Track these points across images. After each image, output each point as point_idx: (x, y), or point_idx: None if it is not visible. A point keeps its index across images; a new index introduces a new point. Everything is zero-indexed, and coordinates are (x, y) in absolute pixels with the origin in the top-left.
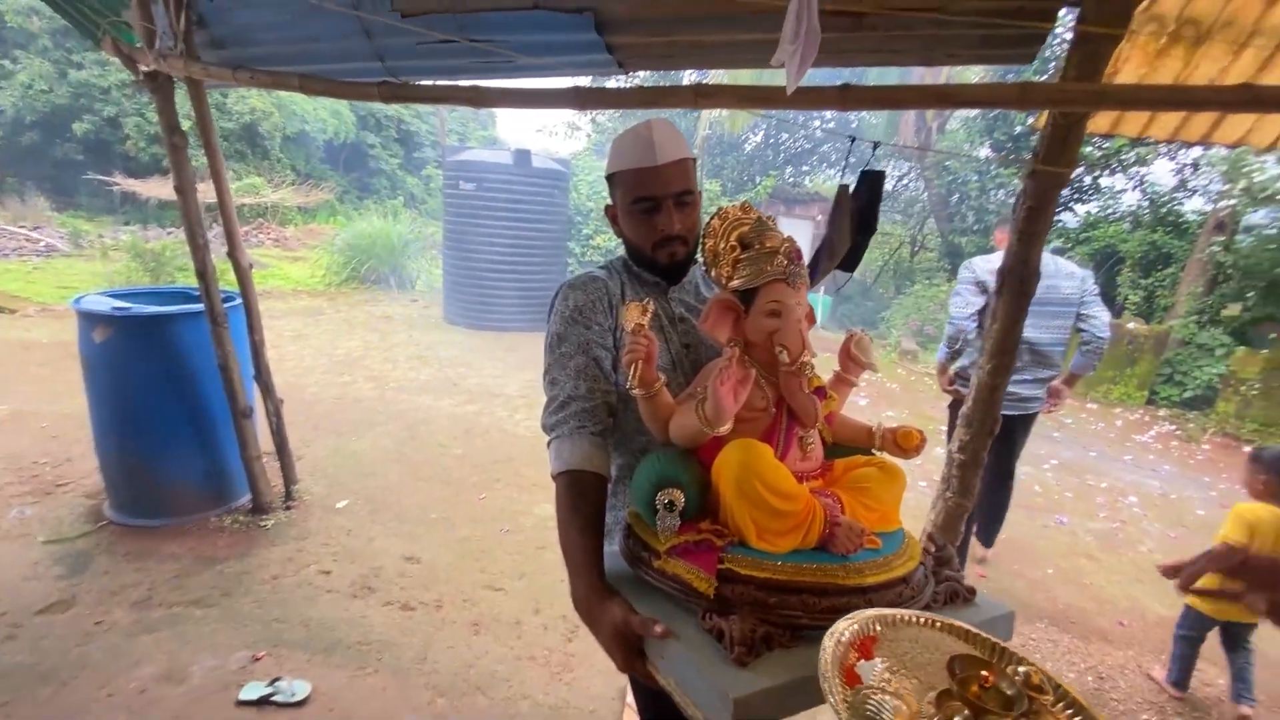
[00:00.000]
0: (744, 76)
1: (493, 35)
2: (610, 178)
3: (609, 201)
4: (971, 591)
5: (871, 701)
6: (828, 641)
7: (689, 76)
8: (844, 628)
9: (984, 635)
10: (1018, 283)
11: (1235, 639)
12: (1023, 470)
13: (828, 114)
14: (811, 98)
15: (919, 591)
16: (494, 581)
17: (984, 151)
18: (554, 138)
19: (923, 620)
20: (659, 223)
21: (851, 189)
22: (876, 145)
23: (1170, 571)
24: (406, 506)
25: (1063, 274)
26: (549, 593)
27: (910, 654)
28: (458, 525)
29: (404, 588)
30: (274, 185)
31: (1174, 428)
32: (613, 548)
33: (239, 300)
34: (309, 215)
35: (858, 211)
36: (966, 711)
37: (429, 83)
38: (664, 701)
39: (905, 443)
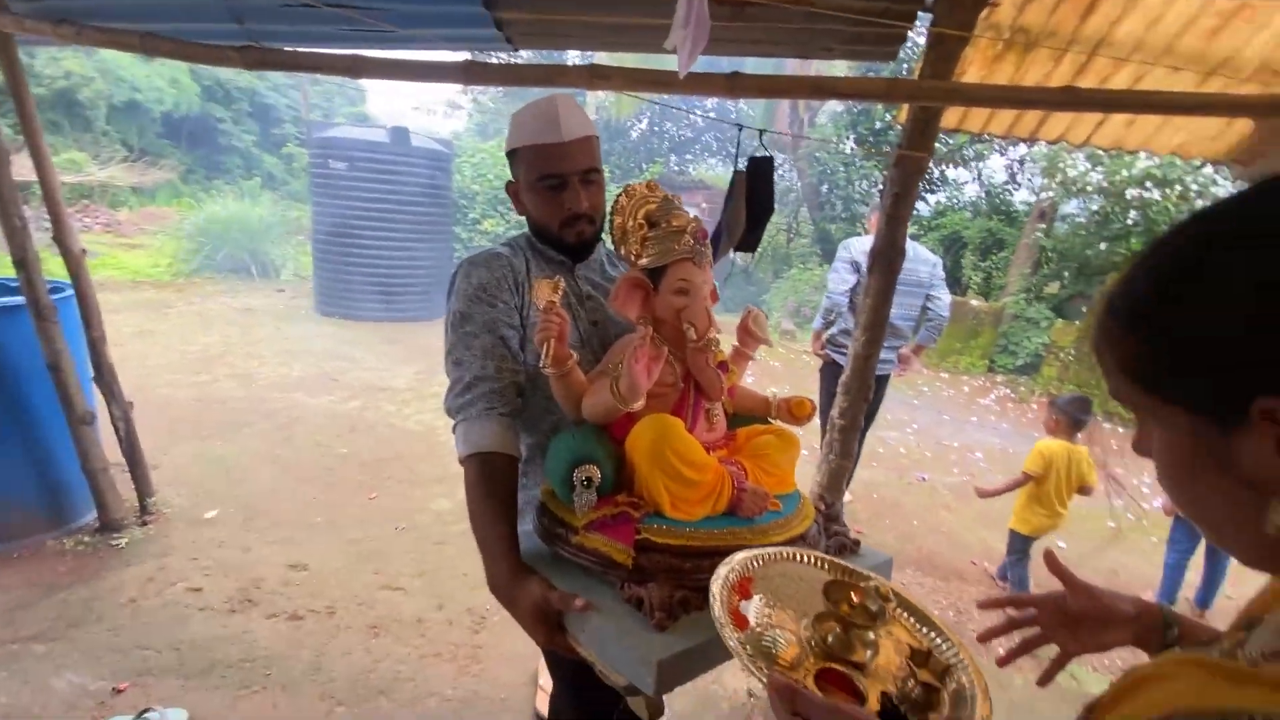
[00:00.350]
0: (630, 61)
1: (370, 1)
2: (512, 153)
3: (510, 178)
4: (856, 544)
5: (766, 637)
6: (715, 588)
7: (574, 58)
8: (724, 572)
9: (837, 561)
10: (886, 263)
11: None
12: (889, 435)
13: (709, 103)
14: (701, 84)
15: (814, 546)
16: (391, 582)
17: (849, 145)
18: (433, 116)
19: (788, 555)
20: (566, 201)
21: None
22: (763, 132)
23: (982, 494)
24: (286, 512)
25: (919, 259)
26: (452, 588)
27: (782, 588)
28: (346, 528)
29: (290, 597)
30: (100, 162)
31: (1009, 391)
32: (526, 527)
33: (70, 292)
34: (146, 197)
35: (752, 194)
36: (838, 628)
37: (301, 50)
38: (581, 674)
39: (798, 411)
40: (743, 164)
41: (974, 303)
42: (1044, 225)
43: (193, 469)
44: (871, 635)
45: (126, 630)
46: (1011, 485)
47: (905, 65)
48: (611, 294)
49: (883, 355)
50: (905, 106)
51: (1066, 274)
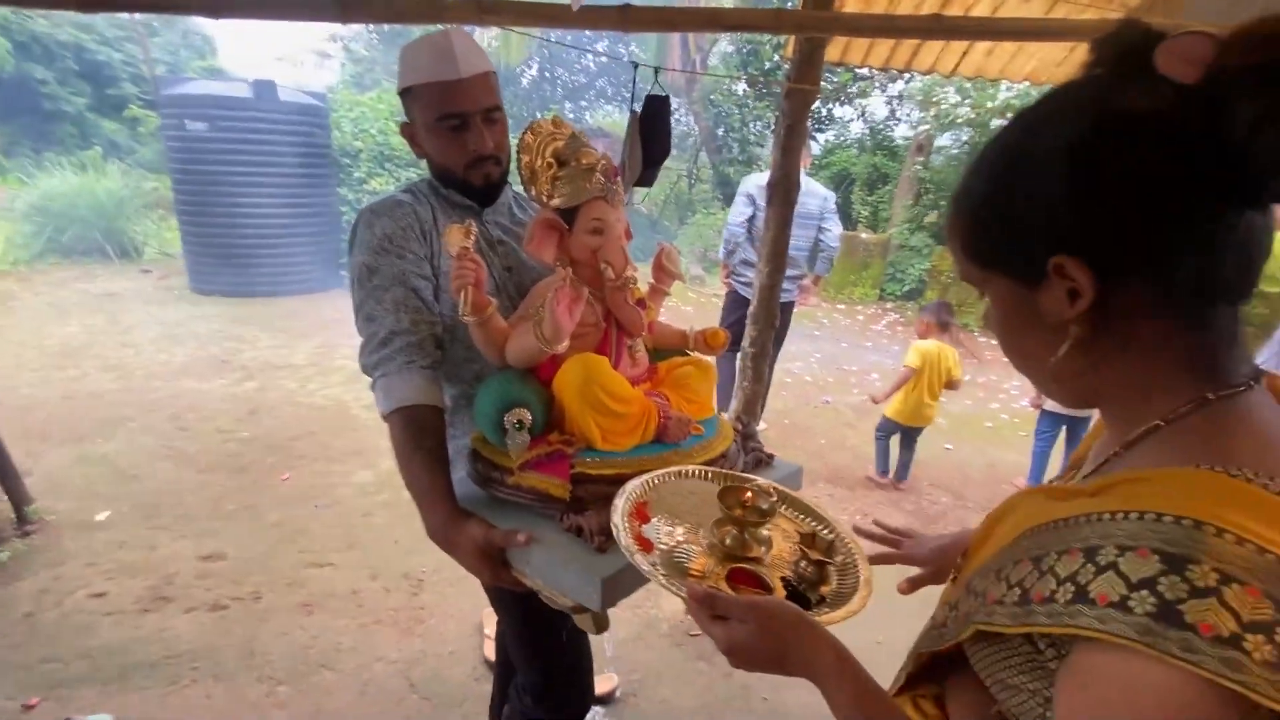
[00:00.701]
0: None
1: None
2: (405, 92)
3: (404, 119)
4: (770, 456)
5: (676, 553)
6: (616, 519)
7: None
8: (620, 503)
9: (719, 470)
10: (784, 193)
11: (909, 439)
12: (795, 366)
13: (600, 46)
14: (594, 17)
15: (734, 463)
16: (319, 559)
17: (742, 86)
18: (300, 68)
19: (676, 474)
20: (469, 142)
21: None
22: (657, 71)
23: (876, 400)
24: (193, 504)
25: (811, 193)
26: (385, 556)
27: (676, 505)
28: (263, 512)
29: (209, 588)
30: None
31: (899, 316)
32: (459, 475)
33: None
34: None
35: (649, 134)
36: (735, 530)
37: None
38: (526, 603)
39: (714, 341)
40: (638, 107)
41: (864, 236)
42: (922, 158)
43: (74, 472)
44: (764, 531)
45: (26, 646)
46: (898, 384)
47: (791, 1)
48: (525, 237)
49: (785, 285)
50: (792, 43)
51: (944, 203)
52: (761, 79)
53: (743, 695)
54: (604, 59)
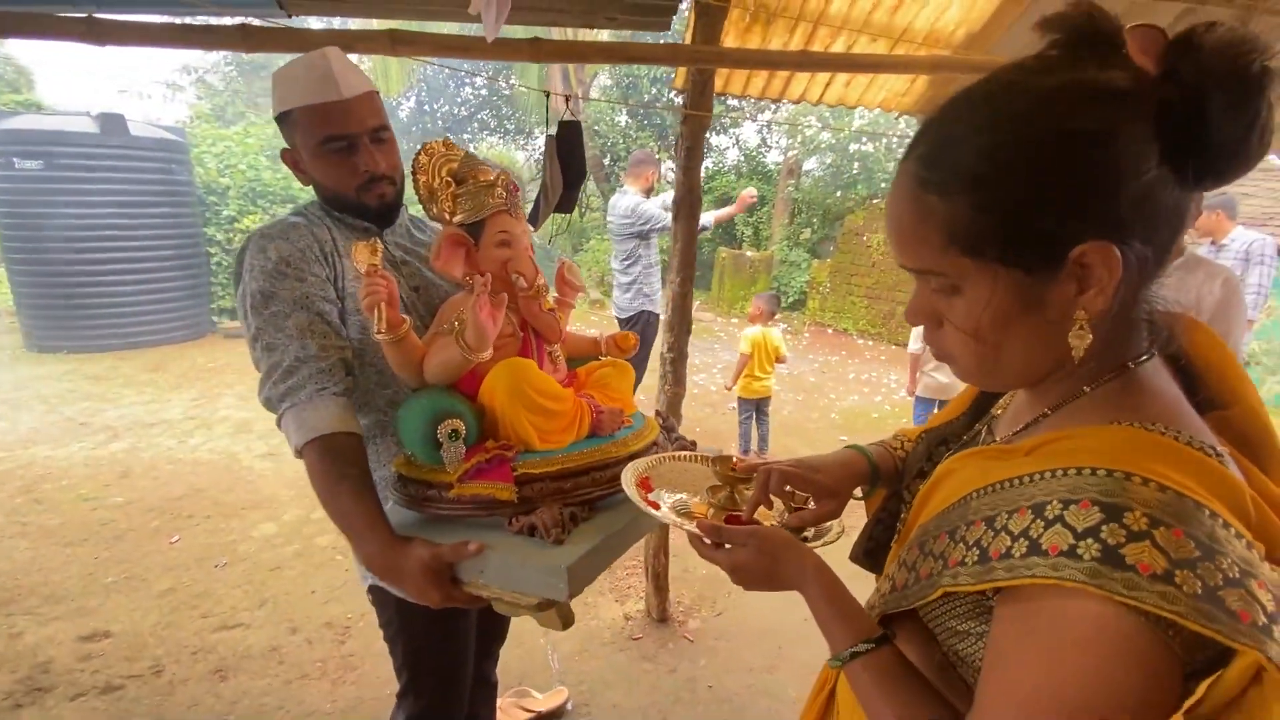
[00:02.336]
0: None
1: None
2: (283, 117)
3: (285, 146)
4: (694, 444)
5: (678, 507)
6: (628, 486)
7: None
8: (629, 475)
9: (704, 454)
10: (687, 208)
11: (760, 415)
12: (700, 378)
13: (479, 80)
14: (506, 49)
15: (663, 449)
16: (227, 620)
17: (624, 118)
18: (148, 101)
19: (670, 457)
20: (359, 163)
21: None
22: (569, 98)
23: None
24: (60, 582)
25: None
26: (302, 608)
27: (673, 479)
28: (150, 580)
29: (97, 670)
30: None
31: (786, 326)
32: (386, 505)
33: None
34: None
35: (564, 158)
36: (727, 491)
37: (17, 10)
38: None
39: (624, 344)
40: (553, 131)
41: (749, 254)
42: (793, 181)
43: None
44: (749, 491)
45: None
46: (739, 368)
47: (662, 36)
48: (432, 253)
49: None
50: (681, 74)
51: (815, 220)
52: (641, 110)
53: (689, 686)
54: (508, 90)
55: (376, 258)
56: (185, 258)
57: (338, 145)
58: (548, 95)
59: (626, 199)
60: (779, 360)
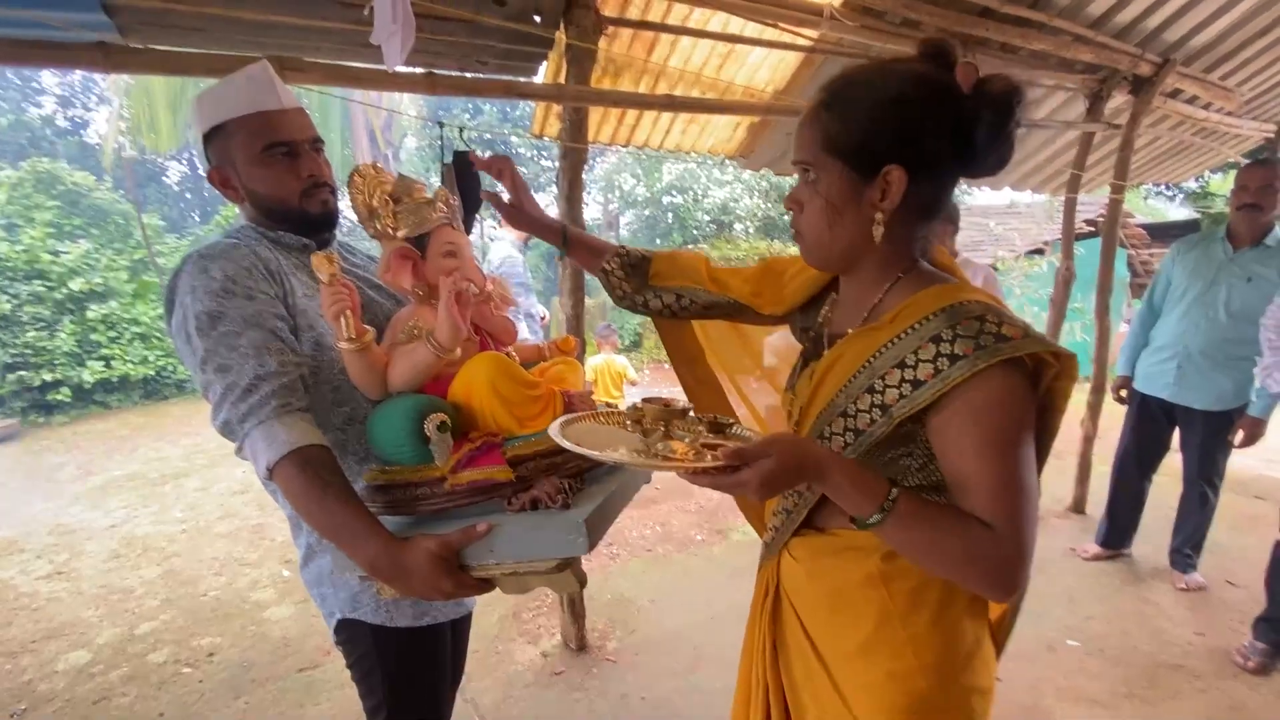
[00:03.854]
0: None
1: None
2: (214, 132)
3: (210, 167)
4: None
5: (655, 444)
6: (575, 449)
7: None
8: (570, 445)
9: (602, 411)
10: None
11: None
12: None
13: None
14: (401, 81)
15: None
16: None
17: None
18: None
19: (574, 419)
20: (303, 168)
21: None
22: (462, 130)
23: None
24: None
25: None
26: None
27: (589, 438)
28: None
29: None
30: None
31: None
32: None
33: None
34: None
35: (462, 186)
36: (661, 429)
37: None
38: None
39: (565, 346)
40: (449, 159)
41: (586, 301)
42: (613, 232)
43: None
44: (682, 428)
45: None
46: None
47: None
48: (380, 267)
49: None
50: (539, 121)
51: None
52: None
53: (623, 703)
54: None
55: (335, 267)
56: None
57: (280, 151)
58: (441, 125)
59: (501, 248)
60: (630, 383)
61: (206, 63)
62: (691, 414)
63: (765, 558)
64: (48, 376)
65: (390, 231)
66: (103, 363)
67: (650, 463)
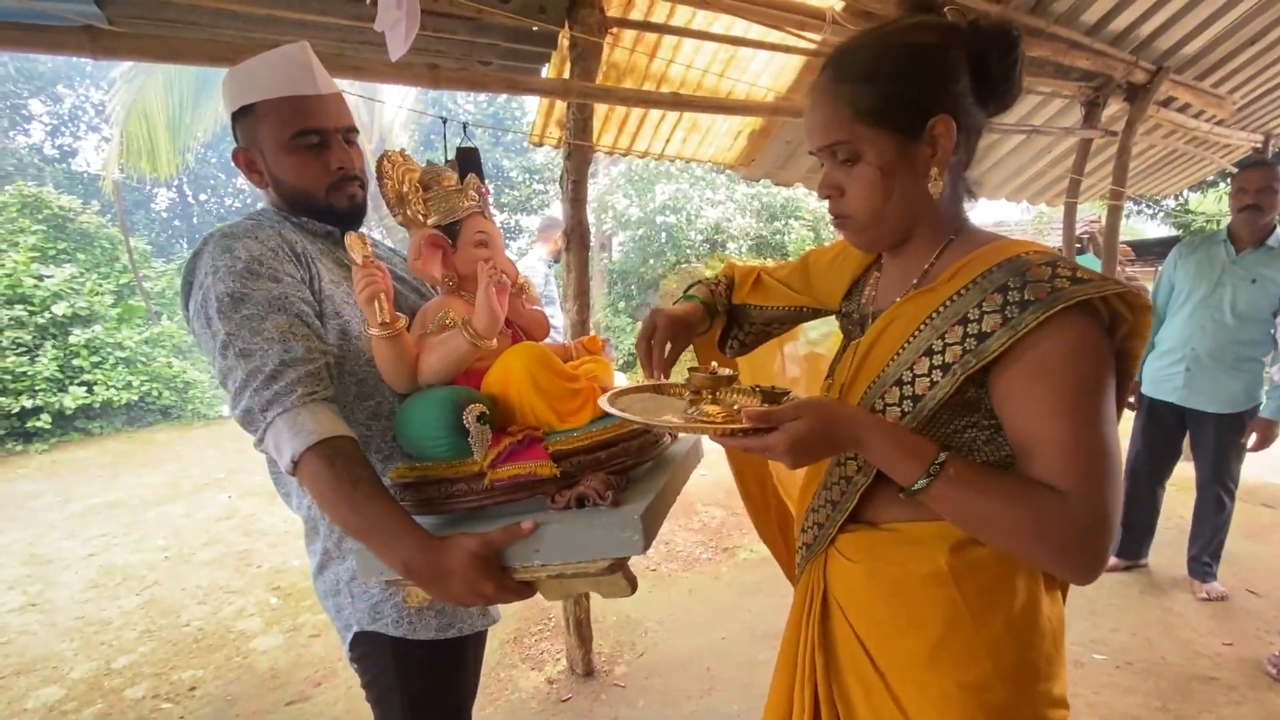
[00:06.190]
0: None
1: None
2: (244, 111)
3: (238, 146)
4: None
5: (691, 410)
6: (633, 417)
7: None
8: (621, 413)
9: (654, 383)
10: (579, 238)
11: None
12: None
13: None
14: (404, 73)
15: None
16: None
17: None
18: None
19: (619, 392)
20: (332, 160)
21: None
22: (465, 125)
23: None
24: None
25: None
26: None
27: (649, 406)
28: None
29: None
30: None
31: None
32: None
33: None
34: None
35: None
36: (710, 394)
37: None
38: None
39: (592, 346)
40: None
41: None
42: (607, 254)
43: None
44: (727, 395)
45: None
46: None
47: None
48: (410, 254)
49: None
50: (539, 128)
51: (633, 288)
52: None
53: None
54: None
55: (369, 249)
56: None
57: (310, 139)
58: (445, 121)
59: (525, 260)
60: None
61: (197, 48)
62: (738, 383)
63: (806, 560)
64: (27, 403)
65: (420, 218)
66: (85, 388)
67: (673, 424)
